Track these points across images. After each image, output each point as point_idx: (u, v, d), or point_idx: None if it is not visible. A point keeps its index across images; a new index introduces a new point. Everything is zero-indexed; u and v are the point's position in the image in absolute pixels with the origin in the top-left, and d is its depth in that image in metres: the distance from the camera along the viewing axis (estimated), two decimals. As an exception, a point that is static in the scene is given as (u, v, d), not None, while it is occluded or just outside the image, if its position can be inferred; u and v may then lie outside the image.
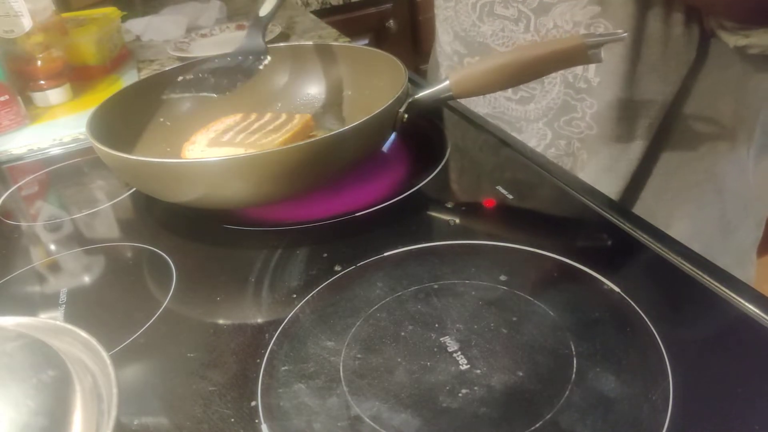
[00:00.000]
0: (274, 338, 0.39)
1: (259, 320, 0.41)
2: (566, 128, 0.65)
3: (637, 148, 0.63)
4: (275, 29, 1.04)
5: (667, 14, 0.58)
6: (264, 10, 0.65)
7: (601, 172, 0.64)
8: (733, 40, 0.57)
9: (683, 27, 0.59)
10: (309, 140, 0.47)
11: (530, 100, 0.66)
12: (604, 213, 0.48)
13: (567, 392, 0.33)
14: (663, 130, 0.63)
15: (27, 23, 0.80)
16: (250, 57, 0.62)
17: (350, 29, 1.23)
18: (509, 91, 0.68)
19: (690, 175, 0.65)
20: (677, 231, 0.66)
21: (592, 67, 0.61)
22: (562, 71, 0.62)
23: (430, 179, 0.56)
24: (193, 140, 0.61)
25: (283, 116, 0.62)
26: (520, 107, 0.68)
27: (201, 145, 0.59)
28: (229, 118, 0.64)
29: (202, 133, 0.62)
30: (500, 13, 0.65)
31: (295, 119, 0.61)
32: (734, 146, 0.65)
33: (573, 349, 0.36)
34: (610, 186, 0.64)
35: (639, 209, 0.66)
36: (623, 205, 0.65)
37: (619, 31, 0.52)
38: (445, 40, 0.74)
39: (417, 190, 0.55)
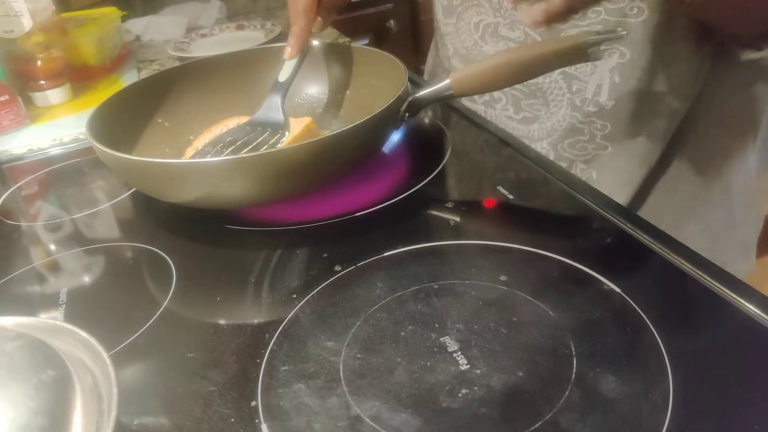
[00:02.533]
0: (274, 338, 0.39)
1: (259, 320, 0.41)
2: (569, 150, 0.65)
3: (653, 158, 0.63)
4: (275, 29, 1.04)
5: (690, 35, 0.57)
6: (283, 76, 0.61)
7: (618, 186, 0.64)
8: (745, 53, 0.57)
9: (703, 45, 0.58)
10: (309, 140, 0.47)
11: (534, 120, 0.66)
12: (605, 213, 0.48)
13: (567, 392, 0.33)
14: (674, 134, 0.63)
15: (27, 23, 0.80)
16: (269, 130, 0.58)
17: (350, 29, 1.23)
18: (511, 110, 0.67)
19: (700, 177, 0.65)
20: (685, 230, 0.66)
21: (604, 90, 0.60)
22: (569, 95, 0.62)
23: (431, 179, 0.56)
24: (195, 145, 0.61)
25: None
26: (523, 127, 0.67)
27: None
28: (231, 120, 0.63)
29: (204, 137, 0.61)
30: (505, 34, 0.64)
31: (297, 123, 0.61)
32: (743, 146, 0.65)
33: (573, 349, 0.36)
34: (624, 196, 0.64)
35: (647, 210, 0.66)
36: (630, 207, 0.65)
37: (618, 29, 0.52)
38: (444, 55, 0.74)
39: (417, 190, 0.55)
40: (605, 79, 0.60)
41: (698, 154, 0.64)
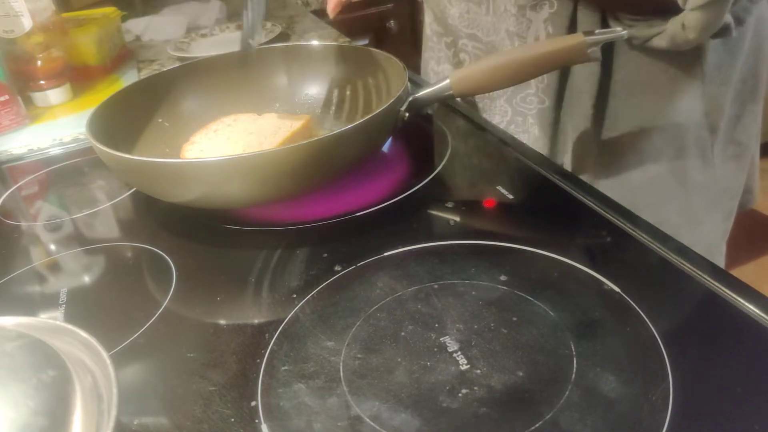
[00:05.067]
0: (274, 338, 0.39)
1: (259, 320, 0.41)
2: (522, 105, 0.67)
3: (582, 123, 0.64)
4: (275, 29, 1.04)
5: None
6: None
7: (562, 148, 0.66)
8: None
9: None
10: (309, 140, 0.47)
11: None
12: (604, 213, 0.48)
13: (567, 392, 0.33)
14: (620, 122, 0.63)
15: (27, 23, 0.80)
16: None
17: (350, 29, 1.23)
18: None
19: (651, 167, 0.65)
20: None
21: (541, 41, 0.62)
22: None
23: (431, 179, 0.56)
24: (192, 140, 0.61)
25: (281, 116, 0.63)
26: None
27: (200, 146, 0.59)
28: (228, 117, 0.64)
29: (201, 133, 0.62)
30: None
31: (295, 120, 0.61)
32: (698, 140, 0.65)
33: (573, 349, 0.36)
34: (569, 160, 0.66)
35: None
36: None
37: (618, 29, 0.52)
38: (427, 22, 0.76)
39: (417, 189, 0.55)
40: (541, 31, 0.62)
41: (646, 145, 0.64)
